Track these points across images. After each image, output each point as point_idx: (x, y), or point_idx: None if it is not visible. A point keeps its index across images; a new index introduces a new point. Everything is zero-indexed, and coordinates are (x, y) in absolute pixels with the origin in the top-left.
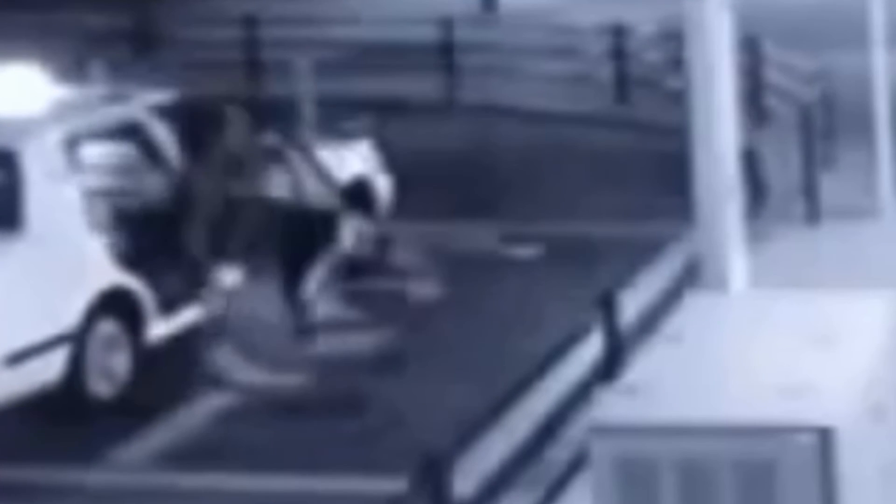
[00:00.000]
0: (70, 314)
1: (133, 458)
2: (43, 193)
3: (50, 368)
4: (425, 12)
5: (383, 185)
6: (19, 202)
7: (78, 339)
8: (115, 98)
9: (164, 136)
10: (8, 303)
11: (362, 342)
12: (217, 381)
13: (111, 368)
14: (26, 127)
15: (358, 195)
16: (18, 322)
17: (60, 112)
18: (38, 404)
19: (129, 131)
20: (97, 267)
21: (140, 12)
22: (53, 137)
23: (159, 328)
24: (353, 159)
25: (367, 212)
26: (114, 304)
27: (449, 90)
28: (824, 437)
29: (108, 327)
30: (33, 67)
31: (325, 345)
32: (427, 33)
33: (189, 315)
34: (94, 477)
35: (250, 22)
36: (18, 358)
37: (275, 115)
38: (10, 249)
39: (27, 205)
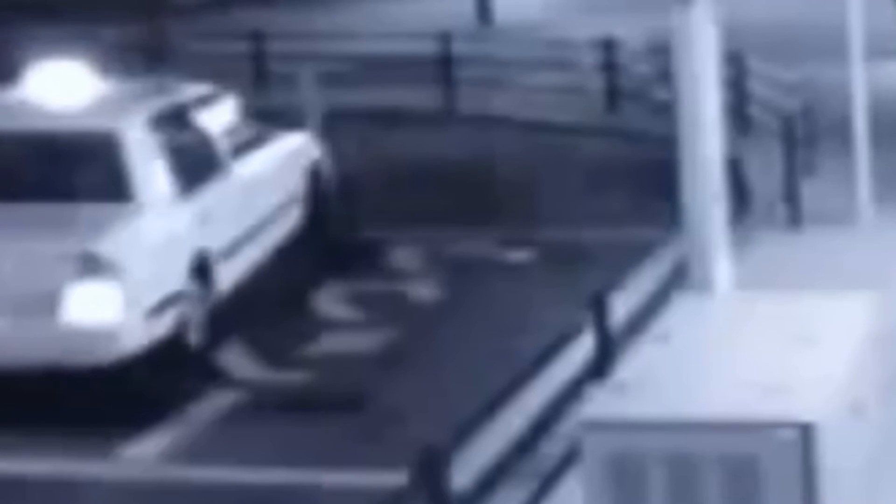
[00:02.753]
0: (178, 274)
1: (145, 454)
2: (144, 168)
3: (167, 322)
4: (424, 27)
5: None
6: (127, 176)
7: (185, 296)
8: (161, 89)
9: (208, 120)
10: (145, 264)
11: (364, 341)
12: (225, 379)
13: (199, 323)
14: (115, 109)
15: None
16: (151, 281)
17: (132, 98)
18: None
19: (183, 116)
20: (188, 231)
21: (152, 26)
22: (141, 117)
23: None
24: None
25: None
26: (198, 264)
27: (447, 101)
28: (805, 433)
29: (195, 285)
30: (79, 63)
31: (329, 344)
32: (426, 47)
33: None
34: (106, 471)
35: (258, 36)
36: (155, 311)
37: (281, 124)
38: (134, 218)
39: (134, 178)
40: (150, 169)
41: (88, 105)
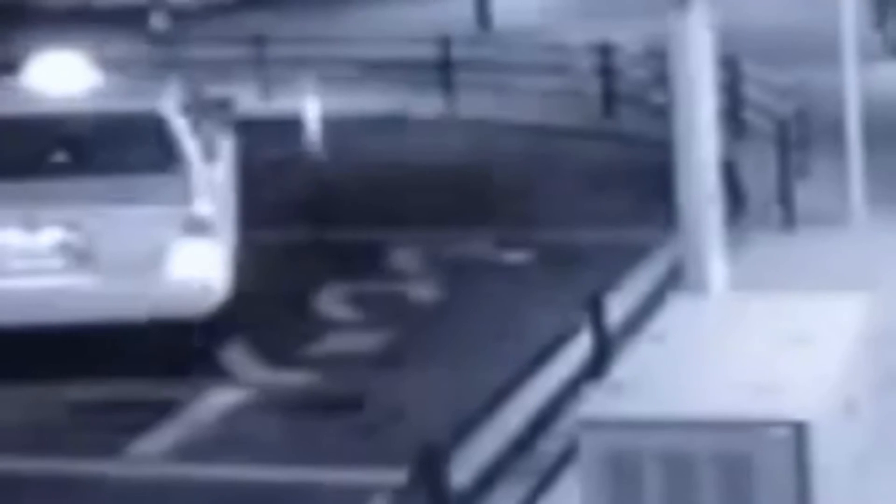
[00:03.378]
0: (229, 230)
1: (149, 452)
2: (188, 143)
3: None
4: (425, 31)
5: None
6: (176, 150)
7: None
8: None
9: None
10: (224, 224)
11: (365, 341)
12: (228, 379)
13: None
14: (150, 94)
15: None
16: (226, 239)
17: (150, 87)
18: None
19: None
20: (223, 192)
21: (156, 31)
22: (172, 102)
23: None
24: None
25: None
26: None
27: (447, 105)
28: (799, 431)
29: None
30: (76, 54)
31: (330, 344)
32: (426, 51)
33: None
34: (113, 469)
35: (260, 40)
36: (228, 267)
37: (282, 128)
38: (211, 185)
39: (183, 151)
40: (191, 144)
41: (122, 90)
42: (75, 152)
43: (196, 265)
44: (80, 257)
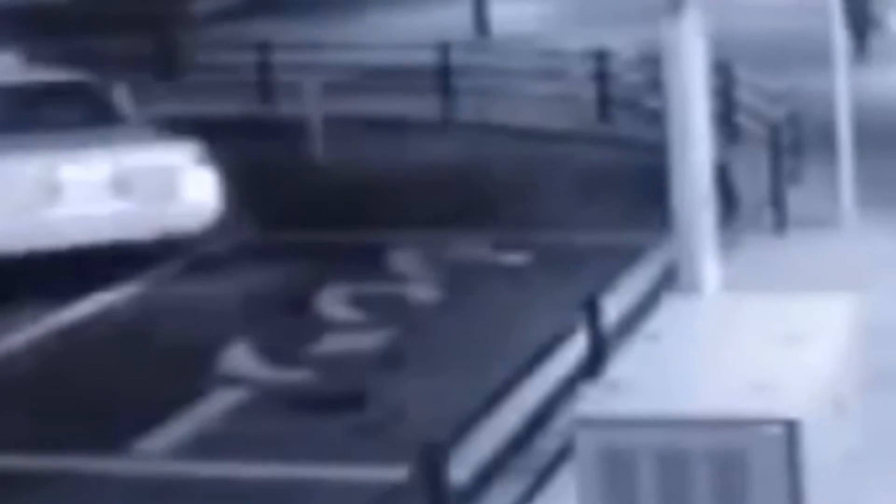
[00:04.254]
0: None
1: (152, 449)
2: (124, 102)
3: None
4: (424, 38)
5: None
6: (121, 108)
7: None
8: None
9: None
10: None
11: (365, 341)
12: (230, 378)
13: None
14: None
15: None
16: None
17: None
18: None
19: None
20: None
21: (162, 37)
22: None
23: None
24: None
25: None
26: None
27: (446, 109)
28: (791, 429)
29: None
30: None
31: (331, 344)
32: (426, 57)
33: None
34: (118, 466)
35: (264, 47)
36: None
37: (285, 132)
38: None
39: (125, 109)
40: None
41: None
42: (60, 112)
43: (202, 188)
44: (124, 188)
